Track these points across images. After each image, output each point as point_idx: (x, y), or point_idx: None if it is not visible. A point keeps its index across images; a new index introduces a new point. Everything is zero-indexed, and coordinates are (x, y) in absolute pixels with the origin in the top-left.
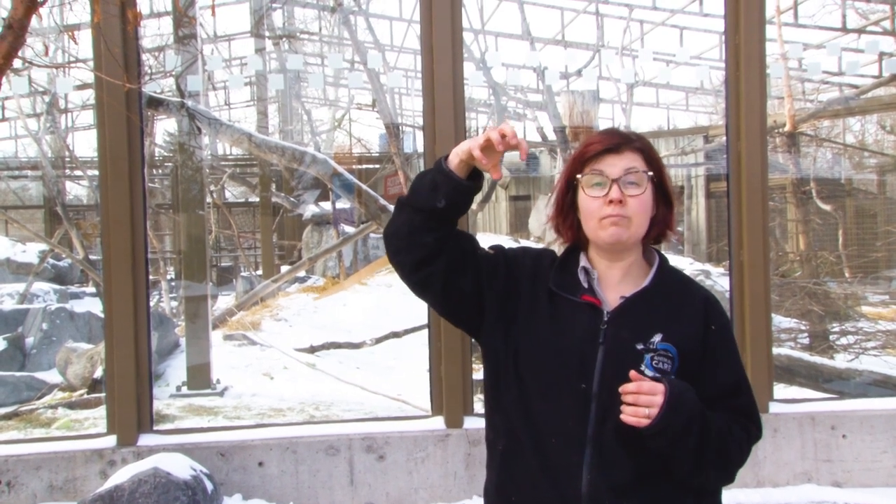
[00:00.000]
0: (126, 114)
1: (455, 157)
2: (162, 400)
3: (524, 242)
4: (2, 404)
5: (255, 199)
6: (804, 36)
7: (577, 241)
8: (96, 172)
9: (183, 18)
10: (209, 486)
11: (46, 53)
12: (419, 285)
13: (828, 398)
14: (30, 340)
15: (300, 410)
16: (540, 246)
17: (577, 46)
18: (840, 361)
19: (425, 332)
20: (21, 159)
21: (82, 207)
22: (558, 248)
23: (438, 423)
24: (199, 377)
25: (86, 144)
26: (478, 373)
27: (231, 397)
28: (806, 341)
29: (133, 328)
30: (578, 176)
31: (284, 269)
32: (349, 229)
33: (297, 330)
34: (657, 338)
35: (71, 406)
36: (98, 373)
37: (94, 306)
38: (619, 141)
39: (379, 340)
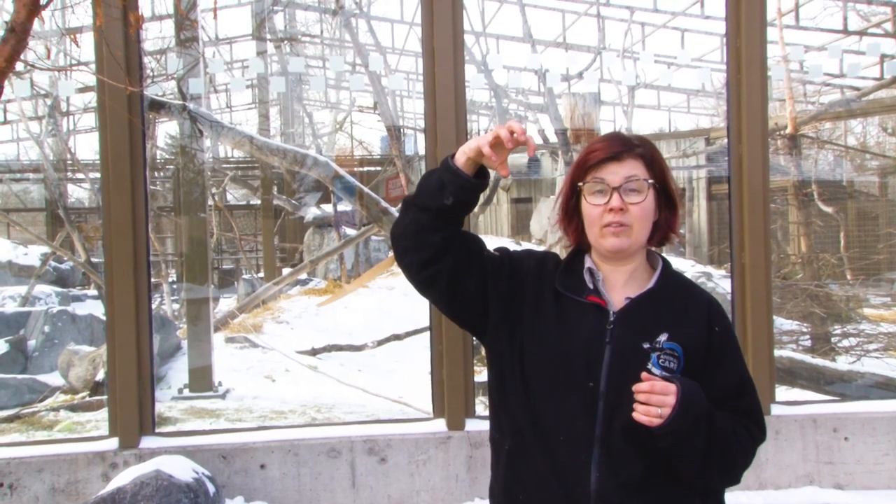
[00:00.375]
0: (128, 116)
1: (462, 156)
2: (164, 402)
3: (525, 245)
4: (4, 407)
5: (256, 201)
6: (805, 38)
7: (582, 244)
8: (98, 175)
9: (184, 21)
10: (211, 488)
11: (48, 56)
12: (425, 284)
13: (830, 400)
14: (32, 343)
15: (302, 413)
16: (542, 248)
17: (578, 49)
18: (842, 364)
19: (427, 334)
20: (23, 162)
21: (84, 210)
22: (561, 251)
23: (440, 425)
24: (201, 380)
25: (87, 147)
26: (479, 375)
27: (233, 400)
28: (808, 343)
29: (135, 331)
30: (580, 184)
31: (286, 271)
32: (351, 232)
33: (298, 332)
34: (663, 337)
35: (73, 408)
36: (100, 375)
37: (96, 309)
38: (620, 148)
39: (380, 343)
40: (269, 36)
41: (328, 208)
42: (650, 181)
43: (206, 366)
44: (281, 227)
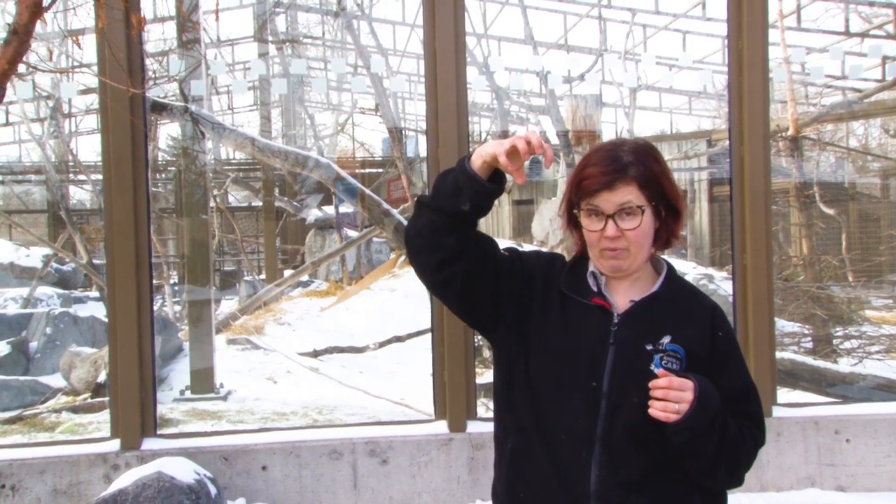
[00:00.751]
0: (130, 118)
1: (479, 159)
2: (165, 404)
3: (527, 247)
4: (6, 408)
5: (258, 203)
6: (807, 40)
7: (586, 249)
8: (100, 177)
9: (186, 23)
10: (213, 490)
11: (51, 58)
12: (440, 286)
13: (831, 402)
14: (33, 345)
15: (303, 414)
16: (544, 250)
17: (579, 50)
18: (843, 366)
19: (428, 336)
20: (25, 164)
21: (86, 212)
22: (565, 252)
23: (442, 427)
24: (203, 381)
25: (89, 149)
26: (481, 377)
27: (234, 401)
28: (809, 345)
29: (137, 332)
30: (575, 211)
31: (287, 273)
32: (352, 233)
33: (300, 334)
34: (666, 339)
35: (75, 410)
36: (102, 377)
37: (98, 310)
38: (611, 177)
39: (382, 344)
40: (270, 38)
41: (330, 210)
42: (644, 207)
43: (208, 367)
44: (282, 229)
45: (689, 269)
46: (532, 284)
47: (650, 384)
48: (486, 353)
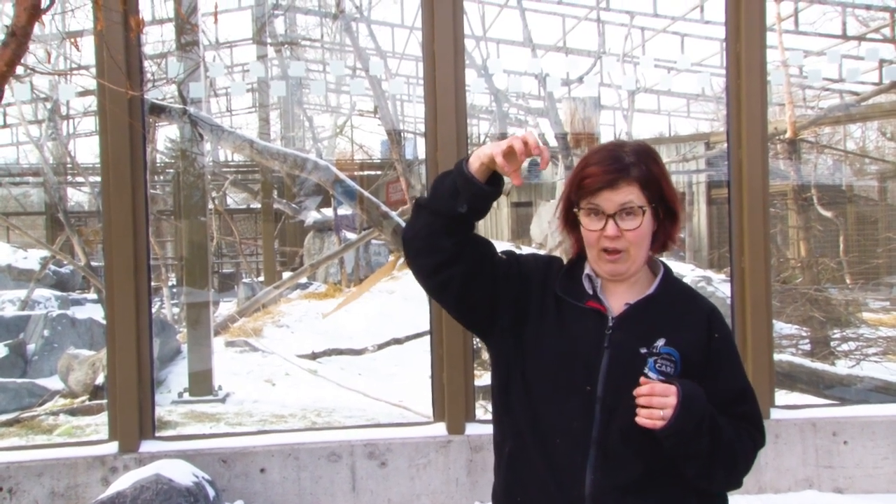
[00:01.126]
0: (128, 120)
1: (476, 161)
2: (164, 406)
3: (526, 249)
4: (3, 411)
5: (256, 205)
6: (805, 43)
7: (583, 251)
8: (98, 179)
9: (185, 25)
10: (211, 492)
11: (49, 60)
12: (437, 288)
13: (829, 404)
14: (31, 347)
15: (302, 417)
16: (542, 252)
17: (578, 53)
18: (841, 368)
19: (427, 338)
20: (23, 166)
21: (84, 214)
22: (564, 255)
23: (440, 429)
24: (201, 383)
25: (87, 151)
26: (479, 379)
27: (233, 404)
28: (807, 347)
29: (135, 334)
30: (576, 210)
31: (286, 275)
32: (351, 236)
33: (298, 336)
34: (660, 342)
35: (72, 412)
36: (100, 379)
37: (96, 313)
38: (614, 175)
39: (381, 347)
40: (269, 40)
41: (328, 212)
42: (645, 207)
43: (206, 370)
44: (281, 231)
45: (688, 272)
46: (529, 288)
47: (634, 392)
48: (485, 356)
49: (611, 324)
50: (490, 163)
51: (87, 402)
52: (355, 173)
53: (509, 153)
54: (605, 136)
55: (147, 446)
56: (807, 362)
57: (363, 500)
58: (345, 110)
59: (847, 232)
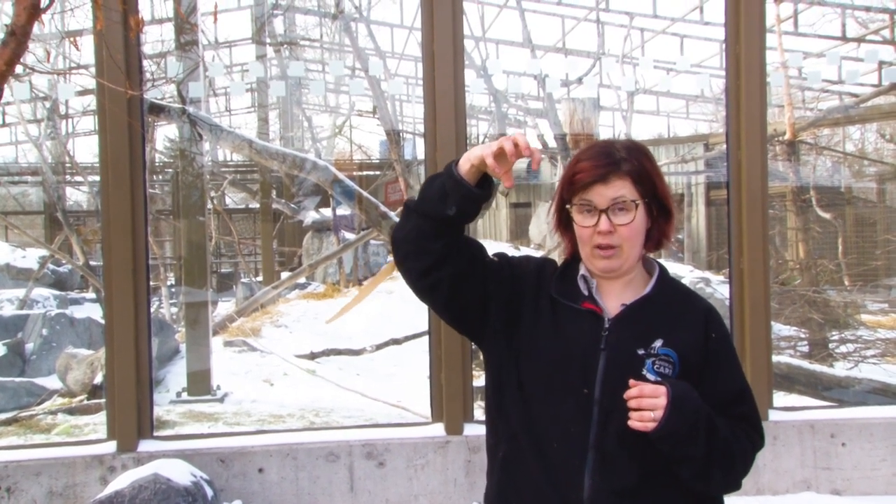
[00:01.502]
0: (127, 120)
1: (466, 163)
2: (162, 406)
3: (524, 250)
4: (2, 410)
5: (255, 205)
6: (804, 45)
7: (577, 253)
8: (97, 178)
9: (185, 25)
10: (209, 492)
11: (48, 59)
12: (426, 291)
13: (827, 406)
14: (30, 346)
15: (300, 417)
16: (540, 254)
17: (577, 54)
18: (839, 369)
19: (425, 338)
20: (21, 165)
21: (82, 213)
22: (560, 257)
23: (438, 429)
24: (200, 383)
25: (86, 150)
26: (478, 380)
27: (231, 403)
28: (805, 349)
29: (133, 334)
30: (568, 206)
31: (285, 275)
32: (350, 236)
33: (297, 336)
34: (658, 343)
35: (71, 412)
36: (98, 378)
37: (94, 312)
38: (605, 171)
39: (379, 347)
40: (268, 40)
41: (327, 212)
42: (638, 202)
43: (205, 369)
44: (280, 231)
45: (686, 273)
46: (522, 290)
47: (624, 395)
48: (482, 356)
49: (607, 325)
50: (480, 165)
51: (86, 402)
52: (354, 173)
53: (500, 155)
54: (605, 137)
55: (145, 446)
56: (805, 364)
57: (361, 501)
58: (344, 110)
59: (846, 234)
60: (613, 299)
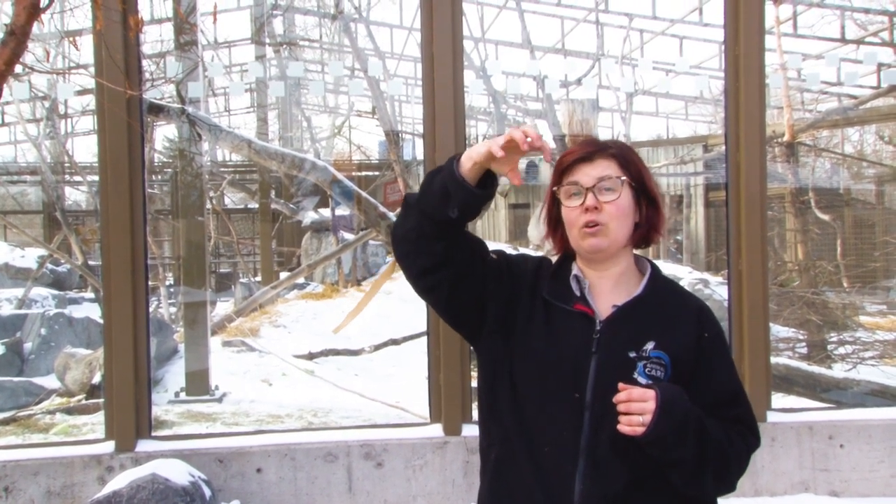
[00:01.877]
0: (126, 120)
1: (468, 161)
2: (160, 406)
3: (523, 250)
4: (0, 410)
5: (254, 205)
6: (803, 46)
7: (568, 251)
8: (96, 178)
9: (184, 25)
10: (207, 492)
11: (47, 59)
12: (426, 290)
13: (825, 408)
14: (28, 346)
15: (298, 417)
16: (539, 254)
17: (577, 55)
18: (838, 371)
19: (424, 339)
20: (20, 164)
21: (81, 213)
22: (555, 257)
23: (437, 430)
24: (198, 383)
25: (85, 150)
26: (476, 380)
27: (229, 403)
28: (804, 351)
29: (132, 334)
30: (555, 189)
31: (283, 275)
32: (348, 236)
33: (295, 336)
34: (650, 345)
35: (69, 412)
36: (96, 378)
37: (93, 312)
38: (591, 150)
39: (378, 347)
40: (268, 40)
41: (326, 212)
42: (624, 178)
43: (203, 369)
44: (279, 231)
45: (685, 274)
46: (519, 289)
47: (613, 399)
48: (477, 357)
49: (598, 327)
50: (484, 161)
51: (84, 401)
52: (353, 174)
53: (509, 146)
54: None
55: (143, 446)
56: (803, 365)
57: (359, 501)
58: (343, 111)
59: (844, 235)
60: (605, 299)
